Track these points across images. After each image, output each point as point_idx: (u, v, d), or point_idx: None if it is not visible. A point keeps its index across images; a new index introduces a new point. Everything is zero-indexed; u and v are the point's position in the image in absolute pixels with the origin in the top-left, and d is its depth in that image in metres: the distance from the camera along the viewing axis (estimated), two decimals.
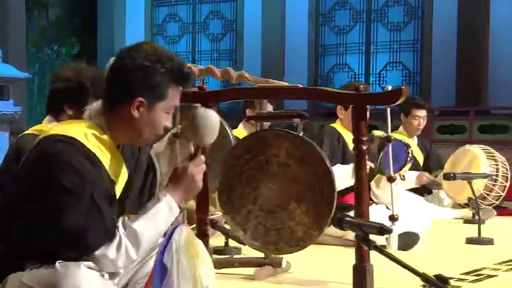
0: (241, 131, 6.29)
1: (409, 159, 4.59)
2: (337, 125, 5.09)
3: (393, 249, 3.22)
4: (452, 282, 3.56)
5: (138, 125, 2.20)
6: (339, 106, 5.07)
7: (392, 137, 4.83)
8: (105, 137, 2.18)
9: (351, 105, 4.90)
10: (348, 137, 5.02)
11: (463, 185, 6.70)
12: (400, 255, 4.37)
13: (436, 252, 4.62)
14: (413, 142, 7.36)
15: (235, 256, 3.69)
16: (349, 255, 4.34)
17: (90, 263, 2.06)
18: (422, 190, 7.37)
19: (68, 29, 16.90)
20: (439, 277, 2.09)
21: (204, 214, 2.61)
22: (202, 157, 2.23)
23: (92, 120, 2.23)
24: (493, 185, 6.68)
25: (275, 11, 14.77)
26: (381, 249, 2.28)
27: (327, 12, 14.70)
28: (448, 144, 7.41)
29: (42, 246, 2.05)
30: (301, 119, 2.69)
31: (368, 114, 5.02)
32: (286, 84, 3.18)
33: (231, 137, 3.20)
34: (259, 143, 2.63)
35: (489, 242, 4.96)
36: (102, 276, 2.07)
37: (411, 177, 6.87)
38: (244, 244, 3.07)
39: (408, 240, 4.61)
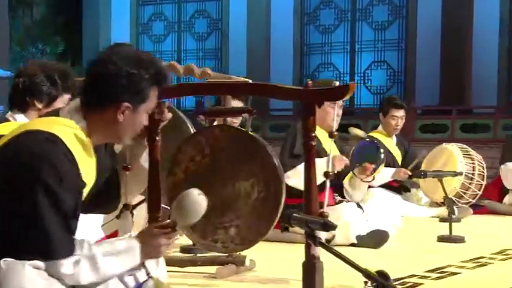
0: None
1: (382, 159, 4.61)
2: None
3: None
4: (415, 280, 3.60)
5: (122, 128, 2.22)
6: None
7: (366, 137, 4.89)
8: (85, 138, 2.18)
9: (324, 102, 5.02)
10: (321, 134, 5.02)
11: (439, 183, 6.75)
12: (370, 252, 4.46)
13: (405, 250, 4.64)
14: (391, 141, 7.39)
15: (199, 255, 3.69)
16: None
17: (35, 262, 2.05)
18: (400, 188, 7.41)
19: (52, 28, 16.87)
20: (381, 273, 2.11)
21: (156, 211, 2.62)
22: (178, 235, 2.26)
23: (72, 120, 2.22)
24: (470, 184, 6.71)
25: (260, 10, 14.79)
26: (327, 246, 2.29)
27: (312, 11, 14.73)
28: (430, 143, 7.42)
29: (7, 239, 2.04)
30: (250, 114, 2.70)
31: (340, 111, 5.13)
32: (243, 79, 3.18)
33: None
34: (208, 140, 2.64)
35: (460, 240, 4.99)
36: (49, 276, 2.06)
37: (387, 174, 6.90)
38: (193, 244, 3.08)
39: (378, 238, 4.64)
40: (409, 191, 7.38)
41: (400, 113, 7.19)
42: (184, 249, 4.15)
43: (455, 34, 12.73)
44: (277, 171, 2.53)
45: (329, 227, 2.28)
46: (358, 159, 4.74)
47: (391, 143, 7.37)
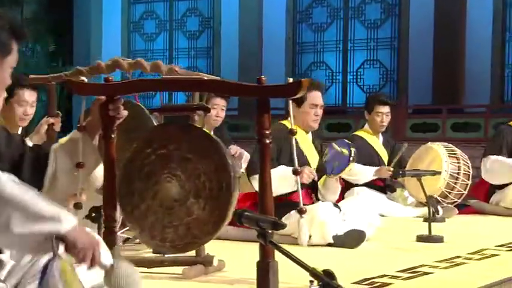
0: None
1: (351, 159, 4.59)
2: (288, 122, 5.08)
3: (304, 244, 3.22)
4: (385, 280, 3.59)
5: None
6: (291, 103, 5.06)
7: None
8: None
9: (305, 102, 5.01)
10: (301, 136, 5.01)
11: (423, 182, 6.74)
12: (346, 252, 4.45)
13: (381, 250, 4.63)
14: (377, 140, 7.38)
15: (168, 255, 3.69)
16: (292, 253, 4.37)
17: None
18: (386, 188, 7.40)
19: (43, 26, 16.83)
20: (327, 273, 2.10)
21: (112, 210, 2.61)
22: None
23: None
24: (455, 183, 6.70)
25: (252, 8, 14.77)
26: (277, 245, 2.28)
27: (305, 9, 14.71)
28: (421, 142, 7.37)
29: None
30: (205, 111, 2.69)
31: (320, 111, 5.11)
32: (206, 76, 3.17)
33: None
34: (161, 136, 2.63)
35: (439, 240, 4.99)
36: None
37: (369, 172, 6.89)
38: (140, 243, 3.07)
39: (354, 238, 4.63)
40: (395, 190, 7.37)
41: (385, 109, 7.17)
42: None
43: (449, 32, 12.72)
44: (229, 170, 2.51)
45: (279, 226, 2.27)
46: (331, 159, 4.73)
47: (376, 142, 7.36)
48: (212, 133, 6.33)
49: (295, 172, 2.81)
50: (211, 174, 2.53)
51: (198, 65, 15.81)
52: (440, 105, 11.84)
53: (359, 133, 7.43)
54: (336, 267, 3.88)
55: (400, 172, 5.10)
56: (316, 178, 4.75)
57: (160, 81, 2.73)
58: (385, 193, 7.30)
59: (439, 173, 5.64)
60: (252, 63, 14.57)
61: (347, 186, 7.07)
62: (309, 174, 4.68)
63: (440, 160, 6.70)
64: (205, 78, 2.68)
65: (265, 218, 2.30)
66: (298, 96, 2.45)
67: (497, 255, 4.42)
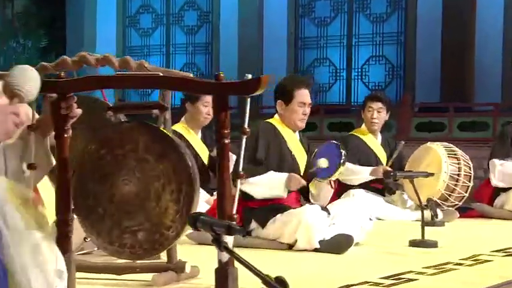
0: (179, 125, 6.34)
1: (342, 161, 4.57)
2: (275, 121, 5.07)
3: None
4: (366, 287, 3.57)
5: None
6: (278, 101, 5.06)
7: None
8: None
9: (293, 100, 5.00)
10: (288, 135, 4.99)
11: (422, 185, 6.71)
12: (332, 258, 4.43)
13: (369, 256, 4.61)
14: (374, 140, 7.34)
15: (139, 261, 3.67)
16: (277, 260, 4.36)
17: None
18: (384, 190, 7.37)
19: (35, 21, 16.88)
20: (279, 280, 2.08)
21: (66, 214, 2.60)
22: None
23: None
24: (455, 185, 6.67)
25: (252, 1, 14.78)
26: (230, 251, 2.26)
27: (307, 3, 14.70)
28: (426, 142, 7.30)
29: None
30: (161, 110, 2.68)
31: (308, 110, 5.09)
32: (185, 74, 3.16)
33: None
34: (116, 136, 2.62)
35: (432, 244, 4.95)
36: None
37: (365, 172, 6.86)
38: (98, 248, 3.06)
39: (341, 243, 4.61)
40: (394, 193, 7.33)
41: (377, 104, 7.11)
42: None
43: (458, 26, 12.68)
44: (190, 172, 2.50)
45: (234, 230, 2.25)
46: (320, 161, 4.70)
47: (373, 142, 7.32)
48: (200, 132, 6.37)
49: (237, 176, 2.75)
50: (170, 176, 2.52)
51: (196, 61, 15.83)
52: (448, 103, 11.80)
53: (355, 133, 7.41)
54: (319, 274, 3.88)
55: (392, 173, 5.07)
56: (305, 185, 4.74)
57: (112, 78, 2.73)
58: (383, 195, 7.28)
59: (432, 174, 5.60)
60: (252, 60, 14.58)
61: (343, 188, 7.06)
62: (296, 182, 4.69)
63: (440, 161, 6.67)
64: (161, 74, 2.67)
65: (219, 223, 2.28)
66: (257, 93, 2.43)
67: (490, 261, 4.39)
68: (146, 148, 2.51)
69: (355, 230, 4.81)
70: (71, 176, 2.59)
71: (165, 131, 2.66)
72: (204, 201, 5.48)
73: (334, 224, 4.84)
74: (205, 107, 6.16)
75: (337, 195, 7.10)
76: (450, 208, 6.78)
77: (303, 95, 4.96)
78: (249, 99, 2.48)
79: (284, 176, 4.73)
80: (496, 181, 7.07)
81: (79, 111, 2.54)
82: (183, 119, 6.42)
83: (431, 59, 13.09)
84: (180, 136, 6.21)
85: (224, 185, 2.42)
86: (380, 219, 6.81)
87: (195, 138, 6.30)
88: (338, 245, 4.61)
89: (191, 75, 3.00)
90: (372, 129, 7.28)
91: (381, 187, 7.33)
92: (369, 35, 14.12)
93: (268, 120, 5.10)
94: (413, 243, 4.99)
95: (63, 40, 16.85)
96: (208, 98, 6.16)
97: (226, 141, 2.43)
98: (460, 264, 4.27)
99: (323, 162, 4.60)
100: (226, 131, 2.43)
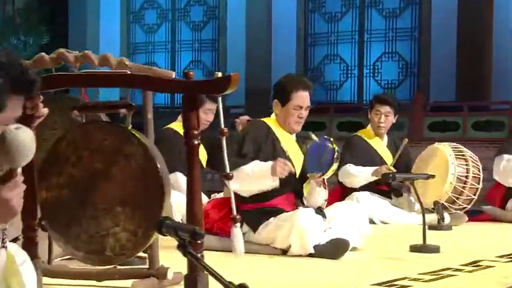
0: (177, 123, 6.37)
1: (335, 157, 4.55)
2: (270, 120, 5.03)
3: (239, 255, 3.18)
4: None
5: None
6: (274, 100, 5.03)
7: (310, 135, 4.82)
8: None
9: (289, 102, 4.98)
10: (283, 136, 4.96)
11: (428, 186, 6.69)
12: (326, 264, 4.41)
13: (366, 261, 4.59)
14: (380, 142, 7.32)
15: (119, 267, 3.67)
16: (269, 266, 4.35)
17: None
18: (391, 192, 7.34)
19: (36, 17, 16.95)
20: (242, 287, 2.07)
21: (32, 219, 2.60)
22: (18, 179, 2.18)
23: None
24: (463, 188, 6.63)
25: None
26: (196, 257, 2.25)
27: None
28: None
29: None
30: (129, 109, 2.67)
31: (306, 113, 5.05)
32: (167, 72, 3.16)
33: None
34: (82, 137, 2.62)
35: (434, 250, 4.93)
36: None
37: (367, 172, 6.84)
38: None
39: (337, 248, 4.58)
40: (401, 195, 7.31)
41: (384, 108, 7.10)
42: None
43: (474, 20, 12.61)
44: (158, 174, 2.49)
45: (198, 235, 2.24)
46: (312, 159, 4.70)
47: (379, 144, 7.31)
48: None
49: (226, 176, 2.75)
50: (138, 180, 2.51)
51: (203, 58, 15.85)
52: (462, 101, 11.74)
53: (360, 134, 7.39)
54: (311, 280, 3.87)
55: (390, 175, 5.04)
56: (293, 171, 4.68)
57: (80, 76, 2.72)
58: (390, 198, 7.26)
59: (433, 176, 5.56)
60: (260, 57, 14.59)
61: (347, 191, 7.04)
62: (282, 166, 4.61)
63: (447, 162, 6.64)
64: (128, 72, 2.66)
65: (184, 227, 2.27)
66: (227, 92, 2.42)
67: (492, 266, 4.37)
68: (114, 149, 2.50)
69: (352, 234, 4.79)
70: (34, 179, 2.59)
71: (133, 131, 2.65)
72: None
73: (330, 228, 4.81)
74: (206, 114, 6.19)
75: (341, 198, 7.13)
76: (458, 211, 6.75)
77: (301, 98, 4.91)
78: (220, 99, 2.46)
79: (269, 163, 4.68)
80: (497, 176, 7.04)
81: (45, 110, 2.54)
82: (179, 117, 6.44)
83: (446, 55, 13.03)
84: (176, 134, 6.25)
85: (193, 186, 2.40)
86: (385, 223, 6.81)
87: None
88: (333, 250, 4.59)
89: (192, 73, 2.95)
90: (379, 133, 7.27)
91: (387, 189, 7.32)
92: (381, 30, 14.08)
93: (263, 118, 5.07)
94: (414, 248, 4.97)
95: (65, 37, 16.89)
96: (210, 106, 6.20)
97: (196, 142, 2.42)
98: (460, 270, 4.25)
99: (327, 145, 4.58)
100: (195, 132, 2.42)
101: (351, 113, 13.23)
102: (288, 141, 4.99)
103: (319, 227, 4.69)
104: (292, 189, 4.89)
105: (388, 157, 7.31)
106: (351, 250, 4.81)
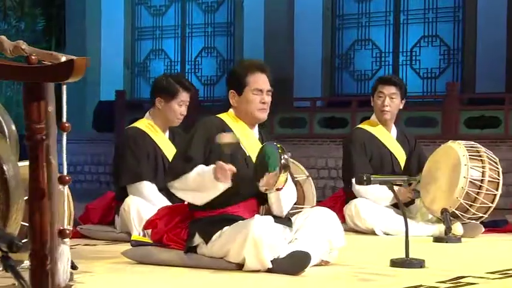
0: (144, 121, 6.45)
1: (282, 162, 4.50)
2: (227, 115, 5.05)
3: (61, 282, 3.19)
4: None
5: None
6: (230, 91, 5.06)
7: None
8: None
9: (246, 88, 5.00)
10: (243, 132, 4.99)
11: (438, 192, 6.68)
12: (284, 280, 4.44)
13: (334, 277, 4.58)
14: (387, 133, 7.30)
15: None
16: (219, 283, 4.39)
17: None
18: None
19: None
20: None
21: None
22: None
23: None
24: (477, 194, 6.60)
25: None
26: (16, 272, 2.30)
27: None
28: (477, 141, 7.19)
29: None
30: None
31: (268, 98, 5.06)
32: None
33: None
34: None
35: (416, 265, 4.93)
36: None
37: (386, 195, 6.81)
38: None
39: (296, 262, 4.59)
40: (413, 202, 7.30)
41: (388, 89, 7.09)
42: None
43: None
44: (4, 177, 2.54)
45: (16, 247, 2.28)
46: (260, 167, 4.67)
47: (385, 135, 7.29)
48: (168, 131, 6.44)
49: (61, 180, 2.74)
50: None
51: (216, 44, 15.94)
52: (505, 93, 11.63)
53: (362, 126, 7.39)
54: None
55: (365, 178, 5.01)
56: (234, 170, 4.68)
57: None
58: (397, 206, 7.23)
59: (415, 179, 5.56)
60: (281, 42, 14.62)
61: (352, 195, 7.05)
62: (222, 171, 4.63)
63: (459, 164, 6.61)
64: None
65: (3, 237, 2.31)
66: (72, 80, 2.45)
67: (473, 284, 4.35)
68: None
69: (320, 247, 4.80)
70: None
71: None
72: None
73: (296, 238, 4.84)
74: (180, 106, 6.27)
75: (345, 203, 7.12)
76: (473, 221, 6.72)
77: (258, 80, 4.94)
78: (64, 88, 2.50)
79: (211, 167, 4.67)
80: None
81: None
82: (147, 114, 6.50)
83: (495, 40, 12.91)
84: (144, 135, 6.32)
85: (36, 194, 2.41)
86: (388, 235, 6.79)
87: (162, 138, 6.39)
88: (292, 264, 4.60)
89: (34, 57, 2.91)
90: (383, 119, 7.24)
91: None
92: (419, 11, 14.00)
93: (218, 115, 5.10)
94: (395, 263, 4.98)
95: (63, 20, 17.10)
96: (185, 97, 6.29)
97: (40, 137, 2.44)
98: (433, 287, 4.25)
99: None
100: (39, 126, 2.44)
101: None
102: (248, 139, 5.00)
103: (279, 238, 4.71)
104: (253, 194, 4.90)
105: (398, 152, 7.28)
106: (320, 265, 4.85)
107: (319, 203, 7.55)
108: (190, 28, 16.23)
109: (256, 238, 4.59)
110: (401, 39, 14.20)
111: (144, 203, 6.02)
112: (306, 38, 14.58)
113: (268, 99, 5.02)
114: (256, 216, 4.73)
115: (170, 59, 16.34)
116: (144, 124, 6.46)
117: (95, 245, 6.00)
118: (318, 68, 14.62)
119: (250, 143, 5.01)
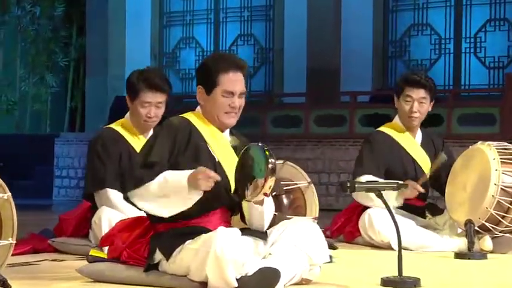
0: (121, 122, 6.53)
1: (269, 168, 4.53)
2: (194, 115, 5.05)
3: None
4: None
5: None
6: (199, 86, 5.08)
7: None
8: None
9: (216, 88, 5.02)
10: (212, 135, 5.00)
11: (465, 200, 6.64)
12: None
13: None
14: (411, 139, 7.30)
15: None
16: None
17: None
18: (427, 210, 7.29)
19: None
20: None
21: None
22: None
23: None
24: (511, 203, 6.53)
25: None
26: None
27: None
28: None
29: None
30: None
31: (241, 102, 5.11)
32: None
33: None
34: None
35: (409, 284, 4.93)
36: None
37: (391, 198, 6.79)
38: None
39: (264, 280, 4.61)
40: (440, 212, 7.26)
41: (418, 93, 7.06)
42: None
43: None
44: None
45: None
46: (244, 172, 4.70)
47: (410, 142, 7.28)
48: (149, 135, 6.48)
49: None
50: None
51: (254, 31, 16.05)
52: None
53: (384, 129, 7.37)
54: None
55: (349, 184, 4.99)
56: (218, 177, 4.71)
57: None
58: (423, 217, 7.21)
59: (406, 186, 5.51)
60: (326, 28, 14.63)
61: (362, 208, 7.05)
62: (205, 178, 4.66)
63: (488, 168, 6.55)
64: None
65: None
66: None
67: None
68: None
69: (298, 263, 4.81)
70: None
71: None
72: None
73: (270, 254, 4.87)
74: (144, 107, 6.26)
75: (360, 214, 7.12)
76: (507, 234, 6.65)
77: (230, 81, 4.91)
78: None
79: (184, 173, 4.67)
80: None
81: None
82: (127, 115, 6.55)
83: None
84: (117, 137, 6.38)
85: None
86: (408, 250, 6.74)
87: (138, 141, 6.43)
88: (260, 282, 4.63)
89: None
90: (410, 126, 7.24)
91: (421, 205, 7.27)
92: None
93: (184, 114, 5.11)
94: (386, 283, 4.98)
95: (83, 6, 17.30)
96: (149, 97, 6.29)
97: None
98: None
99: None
100: None
101: (441, 104, 13.08)
102: (218, 142, 5.01)
103: (246, 253, 4.73)
104: (224, 204, 4.95)
105: (423, 159, 7.26)
106: (300, 283, 4.87)
107: (336, 215, 7.57)
108: (224, 12, 16.35)
109: (218, 254, 4.59)
110: (463, 24, 14.11)
111: (116, 214, 6.08)
112: (355, 24, 14.59)
113: (239, 102, 4.99)
114: (220, 228, 4.75)
115: (202, 48, 16.47)
116: (121, 124, 6.52)
117: (62, 260, 6.06)
118: (368, 57, 14.61)
119: (221, 148, 5.04)
